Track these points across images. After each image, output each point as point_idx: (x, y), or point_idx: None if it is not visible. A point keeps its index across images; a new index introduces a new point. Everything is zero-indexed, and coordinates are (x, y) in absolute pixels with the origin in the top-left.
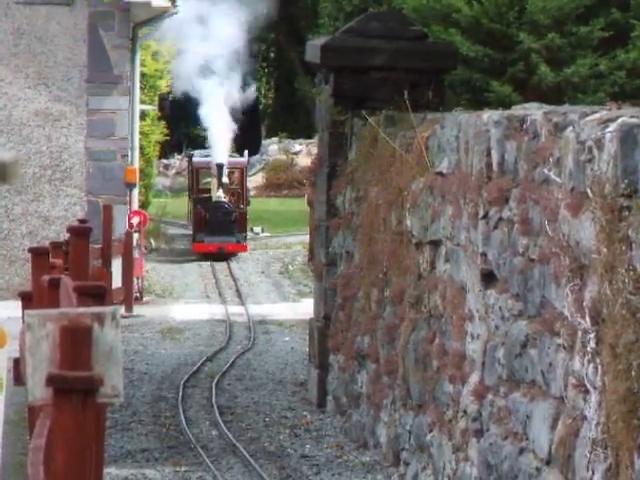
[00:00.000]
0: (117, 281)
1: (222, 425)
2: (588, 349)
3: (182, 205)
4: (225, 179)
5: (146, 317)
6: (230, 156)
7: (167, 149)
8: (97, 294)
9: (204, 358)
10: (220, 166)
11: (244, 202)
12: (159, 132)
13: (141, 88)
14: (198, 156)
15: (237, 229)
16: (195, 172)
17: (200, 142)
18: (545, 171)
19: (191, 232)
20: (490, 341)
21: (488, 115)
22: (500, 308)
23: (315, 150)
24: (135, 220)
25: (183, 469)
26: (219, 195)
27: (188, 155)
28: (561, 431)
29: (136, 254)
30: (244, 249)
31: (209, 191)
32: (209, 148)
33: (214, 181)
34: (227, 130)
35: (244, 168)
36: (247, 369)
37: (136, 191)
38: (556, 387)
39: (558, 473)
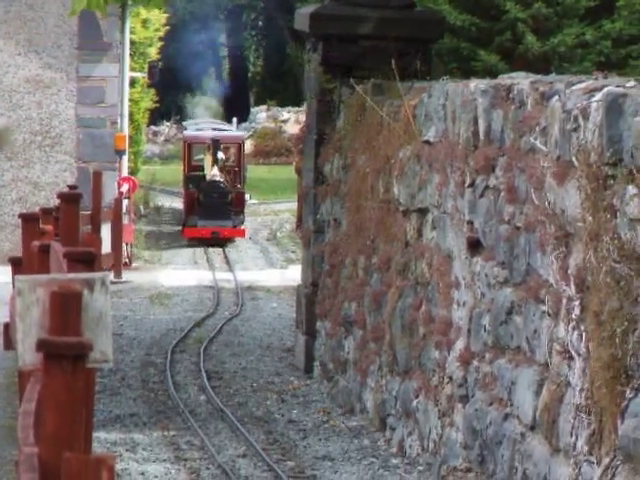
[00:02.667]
0: (107, 247)
1: (210, 390)
2: (573, 316)
3: (171, 172)
4: (220, 155)
5: (135, 283)
6: (226, 130)
7: (156, 116)
8: (87, 260)
9: (192, 324)
10: (215, 141)
11: (241, 181)
12: (149, 99)
13: (131, 55)
14: (191, 128)
15: (233, 212)
16: (187, 147)
17: (190, 110)
18: (531, 140)
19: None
20: (476, 308)
21: (475, 84)
22: (486, 275)
23: (303, 118)
24: (124, 187)
25: (171, 433)
26: (214, 173)
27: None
28: (545, 397)
29: (125, 220)
30: (241, 234)
31: (202, 168)
32: (203, 118)
33: (208, 157)
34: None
35: (241, 143)
36: (235, 335)
37: (125, 158)
38: (541, 354)
39: (542, 438)
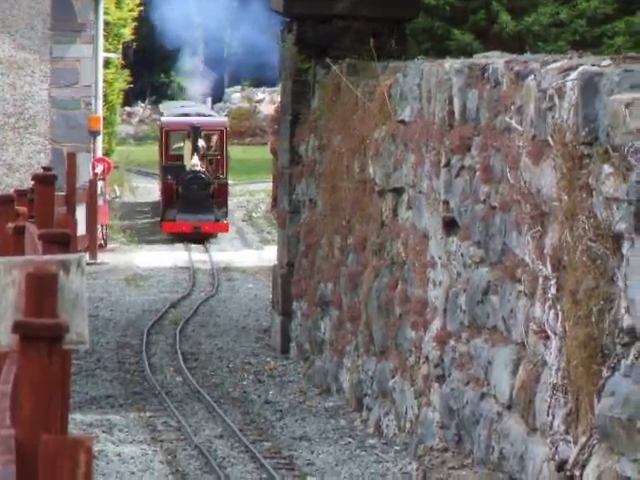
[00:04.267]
0: (81, 229)
1: (186, 371)
2: (549, 295)
3: (146, 153)
4: (201, 143)
5: (110, 264)
6: (207, 115)
7: (131, 97)
8: (62, 241)
9: (168, 305)
10: (195, 128)
11: (224, 171)
12: (123, 80)
13: (105, 36)
14: (168, 112)
15: (216, 204)
16: (165, 134)
17: (164, 91)
18: (507, 119)
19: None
20: (452, 288)
21: (450, 64)
22: (462, 255)
23: (278, 98)
24: (99, 168)
25: (147, 415)
26: (194, 163)
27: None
28: (522, 376)
29: (100, 201)
30: (225, 229)
31: (182, 158)
32: (179, 100)
33: (188, 146)
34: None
35: (224, 130)
36: (211, 316)
37: (100, 139)
38: (517, 333)
39: (519, 418)
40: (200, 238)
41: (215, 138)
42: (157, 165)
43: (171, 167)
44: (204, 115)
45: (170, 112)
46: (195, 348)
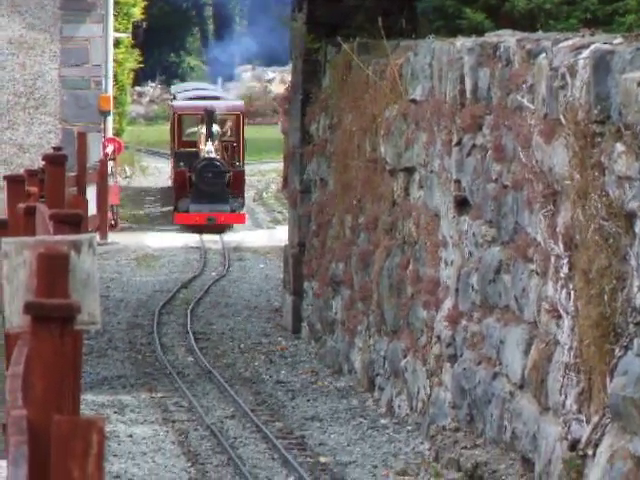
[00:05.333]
0: (92, 209)
1: (197, 351)
2: (561, 274)
3: (157, 133)
4: (216, 128)
5: (121, 244)
6: (222, 98)
7: (141, 77)
8: (73, 222)
9: (179, 285)
10: (209, 112)
11: (241, 158)
12: (133, 60)
13: (114, 16)
14: (181, 96)
15: (231, 194)
16: (177, 119)
17: (174, 70)
18: (518, 98)
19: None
20: (464, 267)
21: (461, 42)
22: (474, 234)
23: (289, 77)
24: (109, 148)
25: (159, 395)
26: (209, 150)
27: (171, 96)
28: (534, 356)
29: (111, 182)
30: (241, 220)
31: (195, 144)
32: (191, 82)
33: (202, 131)
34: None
35: (241, 114)
36: (222, 296)
37: (110, 119)
38: (529, 312)
39: (531, 397)
40: (215, 230)
41: (231, 123)
42: (167, 145)
43: (184, 154)
44: (219, 98)
45: (182, 95)
46: (206, 328)
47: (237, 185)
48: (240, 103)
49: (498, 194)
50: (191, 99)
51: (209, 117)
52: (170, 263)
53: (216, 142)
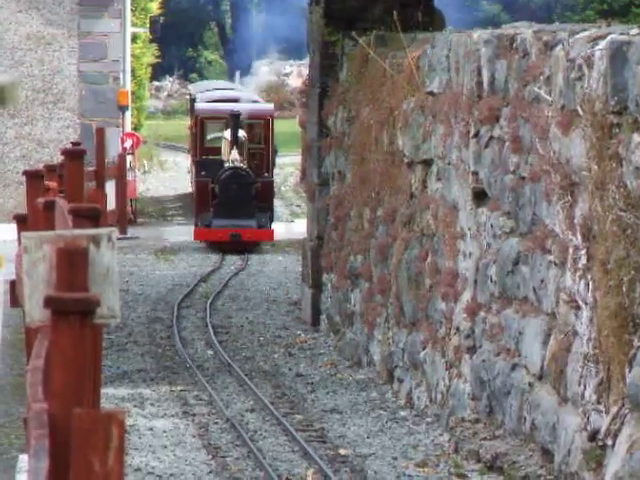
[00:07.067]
0: (111, 204)
1: (217, 345)
2: (579, 265)
3: (175, 127)
4: (242, 133)
5: (140, 239)
6: (250, 101)
7: (159, 72)
8: (92, 216)
9: (198, 279)
10: (234, 116)
11: (269, 168)
12: (151, 54)
13: (132, 10)
14: (202, 97)
15: (259, 207)
16: (200, 124)
17: (191, 65)
18: (535, 89)
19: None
20: (482, 259)
21: (478, 34)
22: (492, 226)
23: (306, 71)
24: (128, 142)
25: (179, 388)
26: (233, 158)
27: (190, 96)
28: (553, 347)
29: (129, 176)
30: (269, 236)
31: (219, 151)
32: (209, 75)
33: (226, 137)
34: None
35: (270, 118)
36: (241, 289)
37: (128, 113)
38: (548, 303)
39: (550, 388)
40: (239, 249)
41: (259, 128)
42: (185, 139)
43: (206, 162)
44: (244, 100)
45: (204, 96)
46: (225, 321)
47: (265, 197)
48: (269, 106)
49: (516, 186)
50: (214, 101)
51: (235, 121)
52: (189, 257)
53: (243, 149)
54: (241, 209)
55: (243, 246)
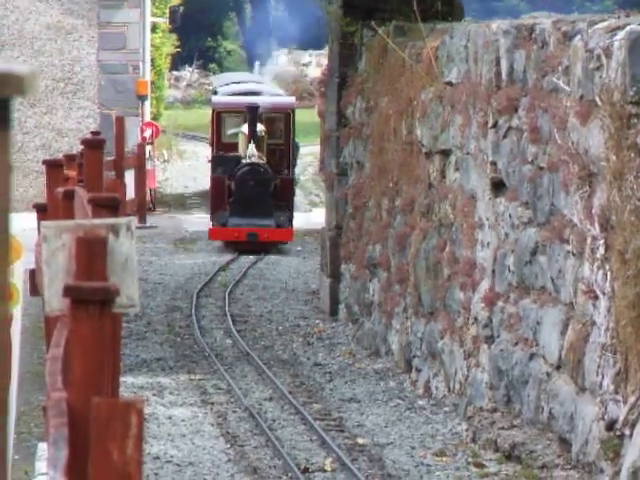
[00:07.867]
0: (130, 193)
1: (236, 334)
2: (597, 255)
3: (194, 117)
4: (260, 127)
5: (159, 228)
6: (271, 94)
7: (178, 61)
8: (112, 205)
9: (217, 268)
10: (252, 109)
11: (290, 165)
12: (170, 44)
13: (152, 0)
14: (222, 91)
15: (278, 205)
16: (217, 117)
17: (211, 55)
18: (554, 80)
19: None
20: (500, 249)
21: (497, 25)
22: (510, 216)
23: (325, 61)
24: (147, 132)
25: (197, 377)
26: (251, 153)
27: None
28: (571, 336)
29: (149, 166)
30: (288, 236)
31: (237, 147)
32: (229, 65)
33: (244, 131)
34: None
35: (290, 112)
36: (260, 279)
37: (148, 103)
38: (566, 293)
39: (568, 378)
40: (256, 250)
41: (279, 122)
42: (206, 129)
43: (223, 158)
44: (264, 93)
45: (225, 90)
46: (244, 311)
47: (284, 195)
48: (290, 99)
49: (534, 176)
50: (234, 94)
51: (252, 115)
52: (208, 246)
53: (261, 144)
54: (258, 207)
55: (260, 246)
